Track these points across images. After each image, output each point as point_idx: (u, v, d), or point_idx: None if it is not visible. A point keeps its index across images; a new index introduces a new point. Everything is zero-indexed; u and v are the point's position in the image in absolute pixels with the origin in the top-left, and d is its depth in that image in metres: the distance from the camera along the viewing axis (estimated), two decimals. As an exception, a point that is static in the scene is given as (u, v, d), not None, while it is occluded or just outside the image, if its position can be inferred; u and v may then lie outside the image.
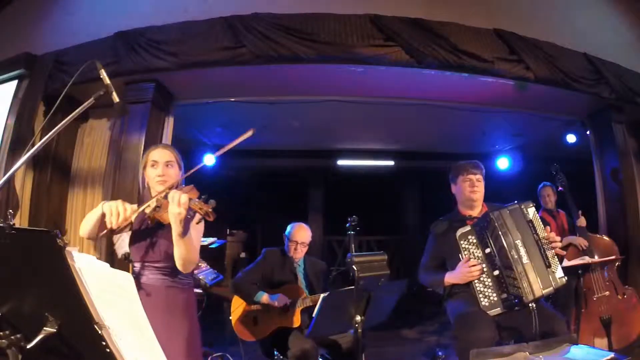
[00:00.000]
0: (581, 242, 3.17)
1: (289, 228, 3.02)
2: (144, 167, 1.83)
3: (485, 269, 2.22)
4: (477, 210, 2.47)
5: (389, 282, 2.00)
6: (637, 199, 4.02)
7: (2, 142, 3.71)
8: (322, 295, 1.97)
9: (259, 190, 7.69)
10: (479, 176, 2.47)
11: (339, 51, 3.38)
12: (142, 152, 3.55)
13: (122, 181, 3.58)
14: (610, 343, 2.93)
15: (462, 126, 5.46)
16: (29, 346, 0.89)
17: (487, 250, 2.22)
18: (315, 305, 2.28)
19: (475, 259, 2.25)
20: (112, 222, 1.53)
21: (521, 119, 4.93)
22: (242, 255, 6.45)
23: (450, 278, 2.34)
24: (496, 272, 2.18)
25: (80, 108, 1.53)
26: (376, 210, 7.61)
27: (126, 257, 2.75)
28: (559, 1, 4.11)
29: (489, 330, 2.10)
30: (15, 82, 3.88)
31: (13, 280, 0.97)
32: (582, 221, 3.28)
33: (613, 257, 3.11)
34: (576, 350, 1.70)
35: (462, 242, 2.29)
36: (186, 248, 1.59)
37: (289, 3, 3.52)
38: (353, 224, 2.02)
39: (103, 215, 1.59)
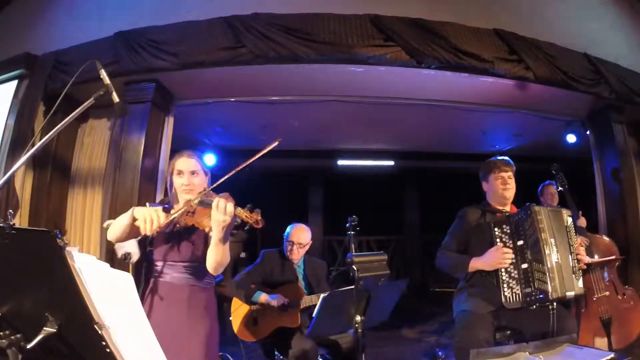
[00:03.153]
0: (581, 240, 3.18)
1: (288, 229, 3.01)
2: (171, 174, 1.90)
3: (514, 261, 2.22)
4: (507, 208, 2.49)
5: (389, 282, 2.00)
6: (637, 199, 4.02)
7: (2, 142, 3.71)
8: (322, 295, 1.97)
9: (259, 190, 7.68)
10: (510, 173, 2.47)
11: (339, 51, 3.38)
12: (142, 152, 3.57)
13: (122, 181, 3.58)
14: (610, 343, 2.93)
15: (462, 126, 5.46)
16: (29, 346, 0.89)
17: (520, 243, 2.22)
18: (315, 305, 2.28)
19: (506, 248, 2.25)
20: (146, 229, 1.57)
21: (521, 119, 4.93)
22: (242, 255, 6.44)
23: (477, 263, 2.31)
24: (525, 265, 2.18)
25: (80, 108, 1.52)
26: (376, 210, 7.62)
27: (126, 257, 2.74)
28: (559, 1, 4.11)
29: (486, 331, 2.12)
30: (15, 82, 3.88)
31: (13, 280, 0.97)
32: (582, 221, 3.28)
33: (613, 257, 3.10)
34: (576, 351, 1.70)
35: (496, 229, 2.30)
36: (223, 253, 1.64)
37: (289, 3, 3.52)
38: (353, 224, 2.02)
39: (133, 220, 1.63)
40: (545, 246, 2.14)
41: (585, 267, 2.39)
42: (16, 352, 0.89)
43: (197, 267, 1.77)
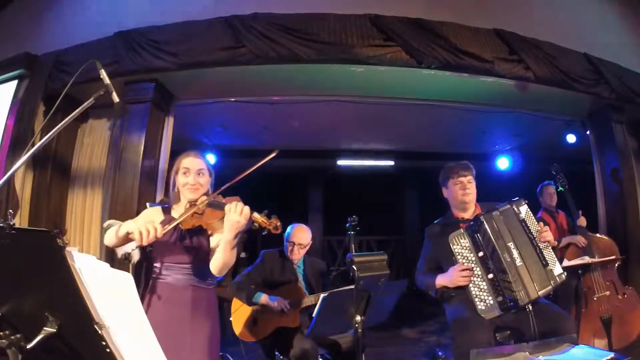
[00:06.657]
0: (579, 239, 3.18)
1: (288, 229, 3.01)
2: (175, 173, 1.88)
3: (479, 273, 2.18)
4: (470, 212, 2.42)
5: (389, 282, 2.00)
6: (637, 199, 4.03)
7: (2, 142, 3.71)
8: (322, 295, 1.97)
9: (259, 190, 7.67)
10: (469, 177, 2.42)
11: (339, 51, 3.38)
12: (142, 152, 3.57)
13: (122, 181, 3.58)
14: (610, 343, 2.93)
15: (462, 126, 5.46)
16: (29, 346, 0.89)
17: (481, 254, 2.18)
18: (315, 305, 2.28)
19: (468, 262, 2.21)
20: (142, 240, 1.55)
21: (521, 119, 4.93)
22: (242, 255, 6.44)
23: (441, 280, 2.31)
24: (490, 276, 2.14)
25: (80, 108, 1.53)
26: (376, 210, 7.61)
27: (126, 257, 2.75)
28: (559, 1, 4.11)
29: (486, 333, 2.09)
30: (15, 82, 3.89)
31: (13, 280, 0.97)
32: (582, 221, 3.28)
33: (613, 257, 3.10)
34: (576, 351, 1.70)
35: (454, 246, 2.25)
36: (230, 255, 1.64)
37: (289, 3, 3.53)
38: (353, 224, 2.02)
39: (127, 234, 1.63)
40: (503, 254, 2.10)
41: (556, 243, 2.34)
42: (16, 352, 0.89)
43: (199, 268, 1.77)
